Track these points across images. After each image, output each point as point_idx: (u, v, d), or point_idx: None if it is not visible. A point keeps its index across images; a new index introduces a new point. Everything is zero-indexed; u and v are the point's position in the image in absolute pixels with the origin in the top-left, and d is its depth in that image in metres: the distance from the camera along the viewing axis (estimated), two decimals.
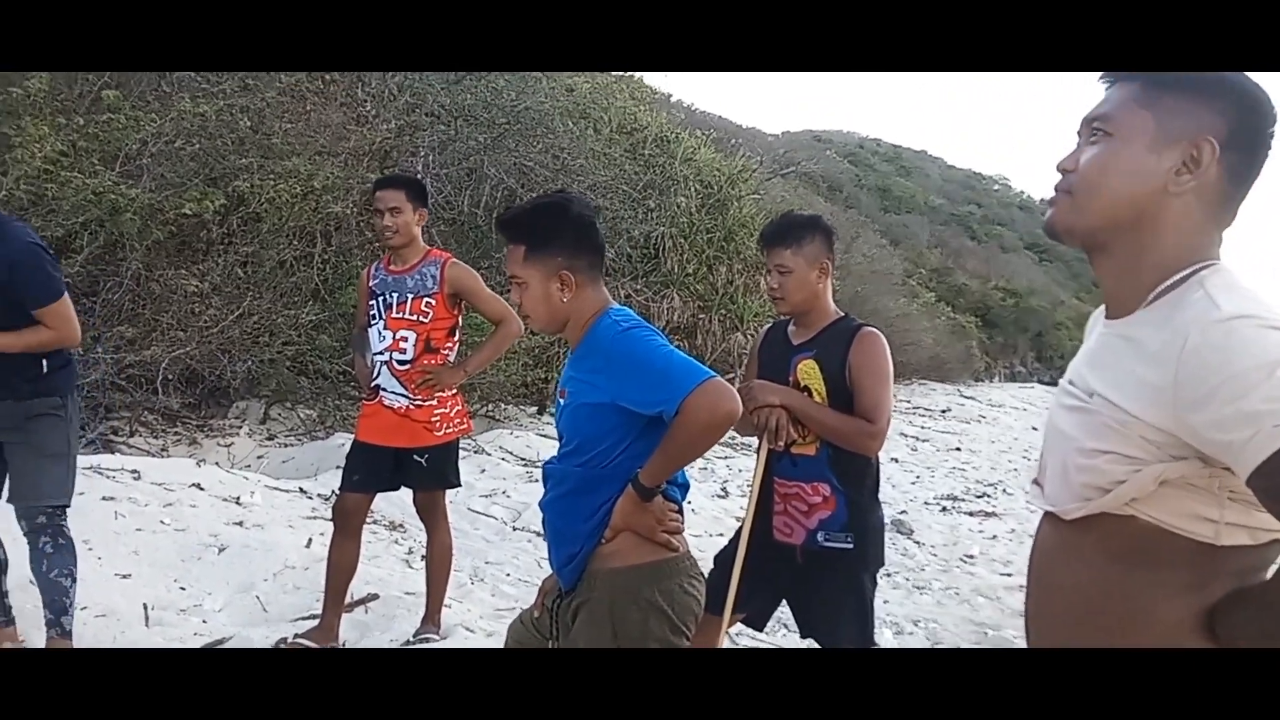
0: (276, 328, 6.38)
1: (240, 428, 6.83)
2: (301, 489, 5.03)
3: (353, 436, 6.16)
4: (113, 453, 5.41)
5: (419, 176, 6.73)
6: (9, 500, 2.98)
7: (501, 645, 3.43)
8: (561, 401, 1.99)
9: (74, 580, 3.03)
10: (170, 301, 5.86)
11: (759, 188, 13.44)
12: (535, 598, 2.14)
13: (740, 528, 2.49)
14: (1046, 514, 1.31)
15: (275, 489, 4.91)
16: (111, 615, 3.38)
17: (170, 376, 5.84)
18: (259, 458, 6.37)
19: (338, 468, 5.61)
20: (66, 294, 2.88)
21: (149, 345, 5.60)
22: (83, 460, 4.40)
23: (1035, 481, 1.37)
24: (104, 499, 4.14)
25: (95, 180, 5.30)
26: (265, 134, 6.55)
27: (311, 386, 7.16)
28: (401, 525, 4.78)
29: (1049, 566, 1.30)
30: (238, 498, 4.61)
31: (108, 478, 4.41)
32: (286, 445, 6.86)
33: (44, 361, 2.87)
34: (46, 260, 2.84)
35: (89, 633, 3.20)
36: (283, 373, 6.77)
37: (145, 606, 3.47)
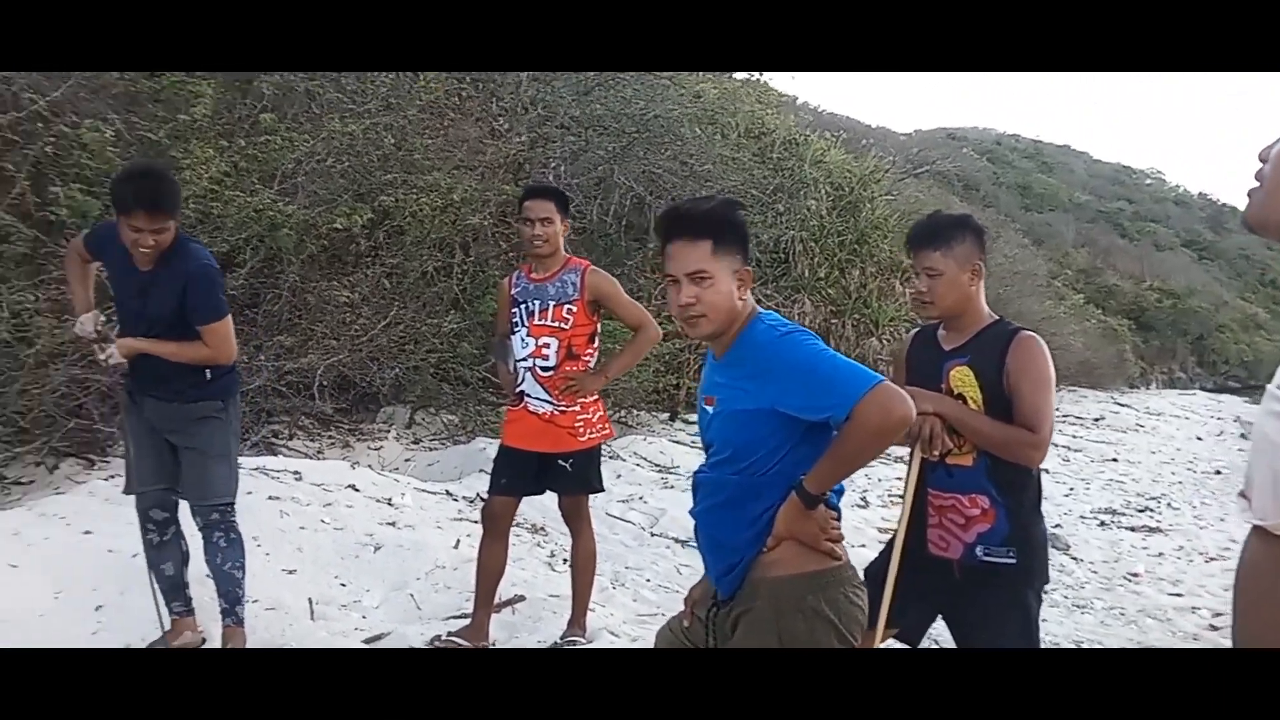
0: (421, 336, 6.63)
1: (388, 432, 7.13)
2: (448, 491, 5.19)
3: (496, 441, 6.35)
4: (274, 454, 5.74)
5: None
6: (184, 498, 3.20)
7: (644, 647, 3.47)
8: (709, 409, 1.97)
9: (244, 572, 3.23)
10: (324, 311, 6.17)
11: (892, 188, 13.11)
12: (684, 607, 2.13)
13: (891, 540, 2.42)
14: (1254, 528, 1.21)
15: (424, 491, 5.09)
16: (280, 609, 3.57)
17: (325, 383, 6.14)
18: (406, 460, 6.63)
19: (481, 471, 5.81)
20: (229, 316, 3.07)
21: (306, 353, 5.91)
22: (249, 461, 4.69)
23: (1242, 494, 1.27)
24: (270, 498, 4.38)
25: (255, 198, 5.64)
26: (408, 150, 6.81)
27: (453, 392, 7.40)
28: (543, 529, 4.88)
29: (1258, 585, 1.21)
30: (389, 499, 4.80)
31: (272, 478, 4.67)
32: (431, 449, 7.12)
33: (207, 370, 3.08)
34: (217, 283, 3.05)
35: (260, 625, 3.39)
36: (427, 379, 7.03)
37: (310, 601, 3.66)
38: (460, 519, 4.82)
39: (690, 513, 2.02)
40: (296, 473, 4.82)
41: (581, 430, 3.35)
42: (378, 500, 4.77)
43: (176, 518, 3.25)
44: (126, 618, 3.30)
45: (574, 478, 3.40)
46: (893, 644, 2.50)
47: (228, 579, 3.18)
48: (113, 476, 4.84)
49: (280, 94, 6.46)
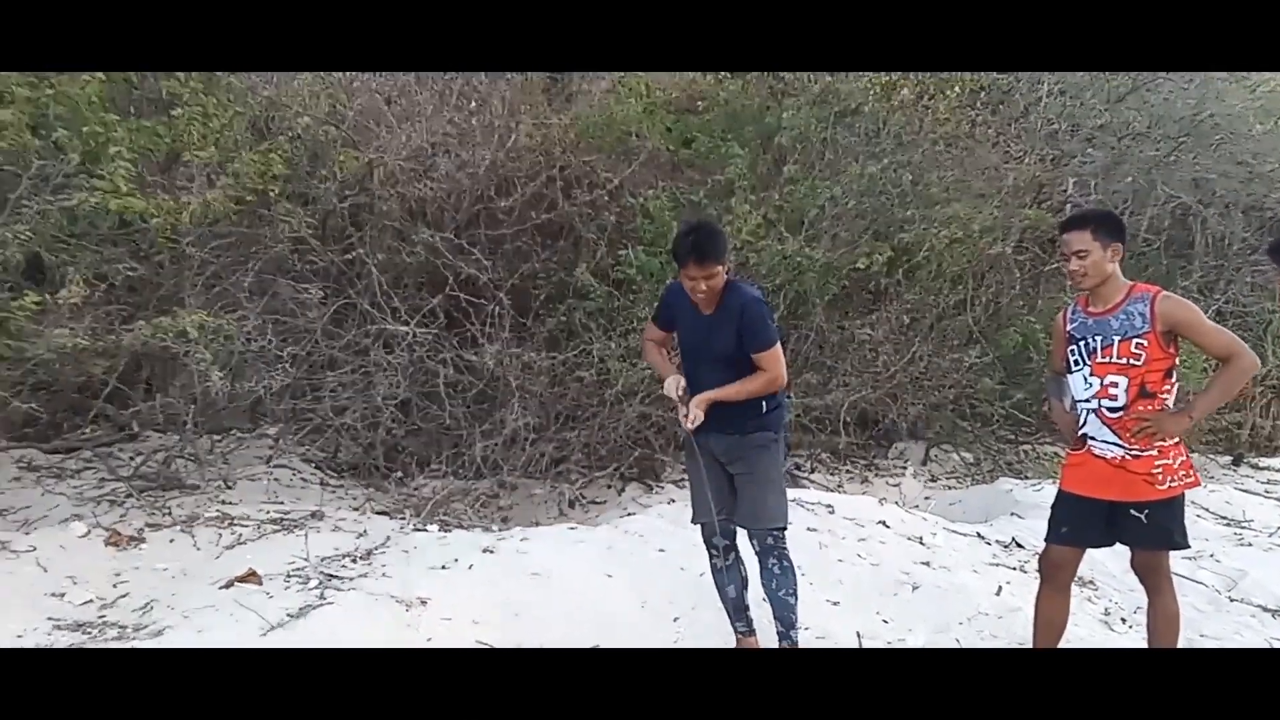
0: (940, 371, 6.53)
1: (905, 468, 7.11)
2: (979, 534, 5.00)
3: (1018, 481, 5.94)
4: (799, 487, 6.04)
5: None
6: (741, 524, 3.47)
7: None
8: None
9: (796, 599, 3.41)
10: (846, 350, 6.37)
11: None
12: None
13: None
14: None
15: (954, 532, 4.96)
16: (829, 638, 3.72)
17: (848, 419, 6.32)
18: (925, 498, 6.55)
19: (1012, 514, 5.52)
20: (779, 344, 3.29)
21: (829, 390, 6.15)
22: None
23: None
24: (808, 530, 4.60)
25: (784, 245, 6.03)
26: (925, 185, 6.79)
27: (971, 429, 7.16)
28: (1092, 582, 4.45)
29: None
30: (920, 538, 4.76)
31: (807, 510, 4.90)
32: (949, 487, 6.95)
33: (764, 403, 3.32)
34: (766, 313, 3.29)
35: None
36: (945, 415, 6.89)
37: (858, 635, 3.76)
38: (996, 564, 4.60)
39: None
40: (829, 506, 5.00)
41: (1161, 477, 2.99)
42: (908, 538, 4.75)
43: (736, 545, 3.54)
44: (699, 629, 3.68)
45: (1151, 531, 3.04)
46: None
47: (782, 605, 3.38)
48: (671, 500, 5.49)
49: (797, 144, 6.84)
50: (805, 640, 3.56)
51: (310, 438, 5.82)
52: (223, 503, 5.06)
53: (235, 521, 4.63)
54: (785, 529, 3.40)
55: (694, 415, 3.24)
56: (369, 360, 5.44)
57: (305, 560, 4.10)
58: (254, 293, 5.47)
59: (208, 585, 3.87)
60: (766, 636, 3.56)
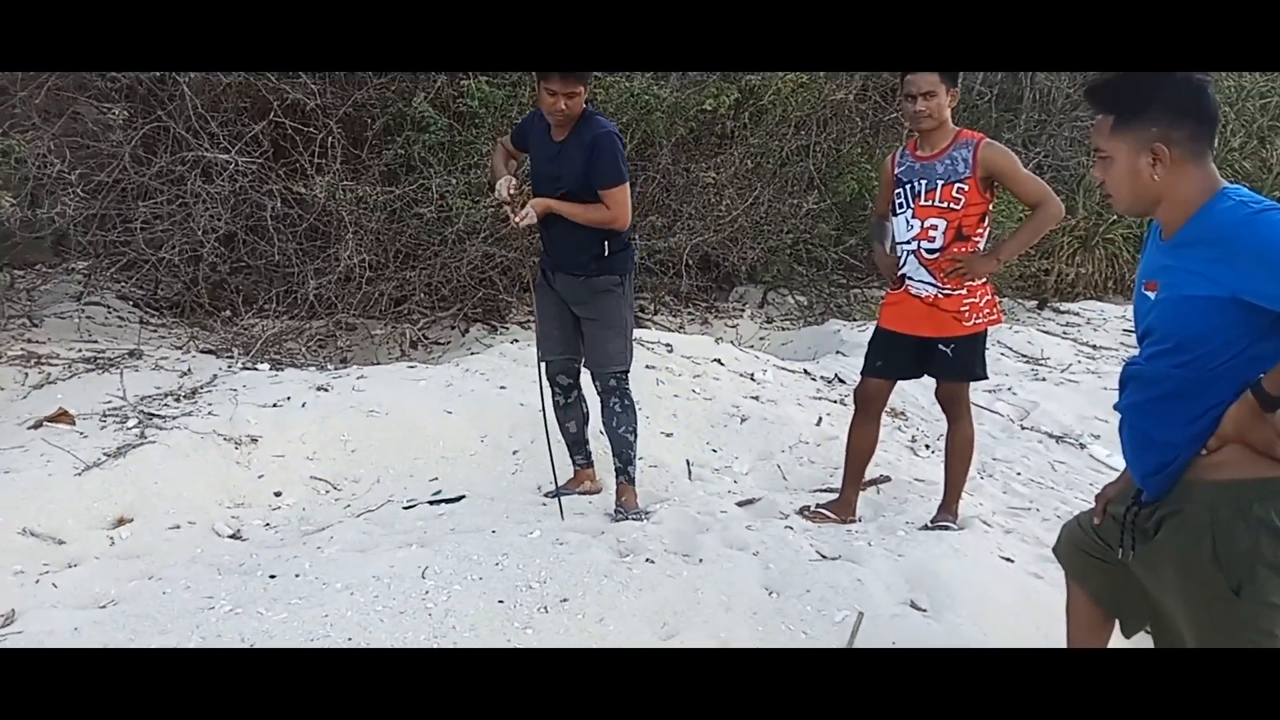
0: (780, 216, 6.68)
1: (743, 311, 7.36)
2: (805, 370, 5.28)
3: (847, 323, 6.23)
4: (642, 328, 6.16)
5: None
6: (585, 366, 3.55)
7: (1017, 540, 3.37)
8: (1150, 295, 1.80)
9: (635, 436, 3.54)
10: (691, 193, 6.40)
11: None
12: (1095, 504, 2.03)
13: None
14: None
15: (782, 369, 5.22)
16: (661, 468, 3.91)
17: (690, 262, 6.43)
18: (761, 339, 6.83)
19: (838, 353, 5.84)
20: (627, 183, 3.27)
21: (674, 233, 6.20)
22: None
23: None
24: (646, 367, 4.73)
25: (632, 83, 5.89)
26: None
27: (806, 273, 7.44)
28: (903, 413, 4.82)
29: None
30: (751, 374, 4.99)
31: (647, 348, 5.02)
32: (783, 329, 7.26)
33: (606, 244, 3.32)
34: (618, 150, 3.24)
35: (646, 480, 3.74)
36: (783, 260, 7.11)
37: (688, 463, 3.96)
38: (819, 398, 4.90)
39: (1115, 406, 1.88)
40: (668, 345, 5.15)
41: (967, 315, 3.22)
42: (740, 375, 4.98)
43: (579, 383, 3.61)
44: (538, 461, 3.78)
45: (956, 364, 3.30)
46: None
47: (621, 441, 3.50)
48: (515, 340, 5.50)
49: None
50: (639, 469, 3.71)
51: (125, 273, 5.42)
52: (28, 341, 4.71)
53: (43, 360, 4.33)
54: (627, 371, 3.47)
55: (527, 214, 3.20)
56: (186, 190, 5.05)
57: (123, 399, 3.90)
58: (49, 112, 4.93)
59: (14, 425, 3.64)
60: (603, 467, 3.70)
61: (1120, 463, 1.93)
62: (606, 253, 3.33)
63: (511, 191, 3.29)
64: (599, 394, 3.50)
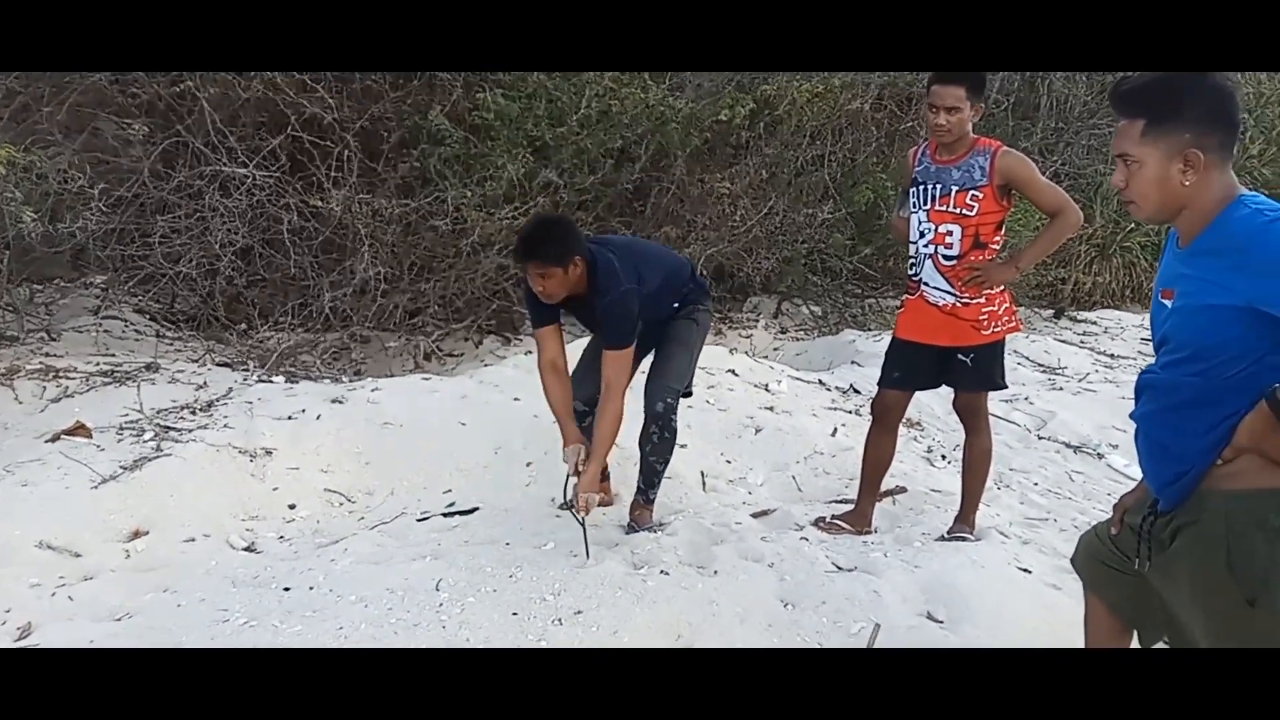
0: (795, 226, 6.67)
1: (757, 321, 7.34)
2: (821, 381, 5.26)
3: (862, 333, 6.20)
4: None
5: None
6: (645, 388, 3.36)
7: (1034, 551, 3.33)
8: (1166, 304, 1.78)
9: (665, 467, 3.41)
10: (705, 203, 6.40)
11: None
12: (1113, 514, 2.01)
13: None
14: None
15: (797, 379, 5.20)
16: (676, 479, 3.88)
17: (704, 272, 6.41)
18: (775, 349, 6.81)
19: (853, 363, 5.82)
20: (630, 349, 3.17)
21: (688, 244, 6.20)
22: None
23: None
24: None
25: (648, 94, 5.90)
26: None
27: (821, 284, 7.42)
28: (919, 423, 4.79)
29: None
30: (766, 385, 4.97)
31: None
32: (797, 339, 7.24)
33: (676, 301, 3.40)
34: (627, 313, 3.14)
35: (660, 490, 3.68)
36: (798, 270, 7.09)
37: (702, 474, 3.94)
38: (834, 408, 4.87)
39: (1131, 415, 1.86)
40: None
41: (986, 323, 3.20)
42: (755, 385, 4.96)
43: (593, 411, 3.46)
44: (552, 473, 3.77)
45: (976, 373, 3.27)
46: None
47: (650, 469, 3.40)
48: (529, 352, 5.50)
49: None
50: None
51: (143, 287, 5.46)
52: (46, 355, 4.75)
53: (60, 374, 4.36)
54: (679, 395, 3.36)
55: (589, 504, 3.12)
56: (204, 204, 5.09)
57: (139, 412, 3.93)
58: (70, 128, 4.99)
59: (32, 439, 3.67)
60: (618, 480, 3.69)
61: (1139, 473, 1.91)
62: (681, 303, 3.41)
63: (579, 461, 3.18)
64: (645, 417, 3.36)
